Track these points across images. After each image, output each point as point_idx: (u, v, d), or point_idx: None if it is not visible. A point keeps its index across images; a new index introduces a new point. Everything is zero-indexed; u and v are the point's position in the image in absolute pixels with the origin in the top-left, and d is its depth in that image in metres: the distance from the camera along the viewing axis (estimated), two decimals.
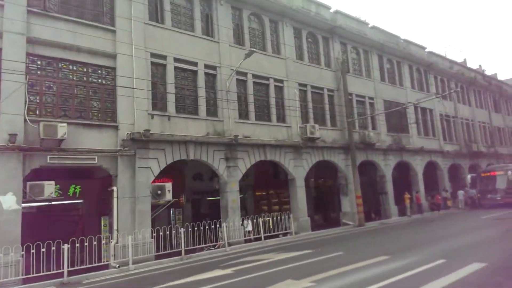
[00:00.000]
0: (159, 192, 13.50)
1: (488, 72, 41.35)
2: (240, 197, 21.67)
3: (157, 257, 13.04)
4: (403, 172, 27.55)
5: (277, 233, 16.98)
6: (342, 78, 21.50)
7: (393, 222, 21.68)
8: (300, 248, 13.47)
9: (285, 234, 17.42)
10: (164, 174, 17.70)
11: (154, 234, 13.09)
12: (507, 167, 27.05)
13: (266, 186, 22.10)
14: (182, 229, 13.50)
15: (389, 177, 23.95)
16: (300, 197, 18.38)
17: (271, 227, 16.91)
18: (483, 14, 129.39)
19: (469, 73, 35.39)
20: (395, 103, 25.47)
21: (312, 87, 20.54)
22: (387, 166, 24.01)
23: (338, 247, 13.37)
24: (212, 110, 16.08)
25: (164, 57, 14.72)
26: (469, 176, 27.47)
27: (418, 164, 26.70)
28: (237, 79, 17.06)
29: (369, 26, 25.47)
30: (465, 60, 36.82)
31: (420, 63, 29.30)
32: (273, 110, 18.27)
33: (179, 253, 13.32)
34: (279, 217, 17.21)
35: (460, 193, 28.37)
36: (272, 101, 18.34)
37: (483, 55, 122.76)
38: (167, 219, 18.68)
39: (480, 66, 38.99)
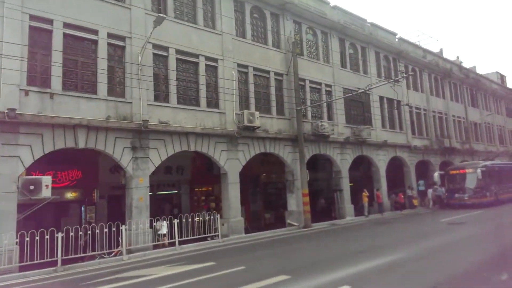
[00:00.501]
0: (31, 187, 10.83)
1: (467, 65, 39.41)
2: (174, 193, 19.35)
3: (23, 268, 10.42)
4: (364, 168, 25.34)
5: (205, 235, 14.53)
6: (292, 61, 18.99)
7: (344, 223, 19.39)
8: (207, 259, 11.00)
9: (214, 237, 14.97)
10: (69, 164, 15.10)
11: (27, 239, 10.45)
12: (476, 164, 25.02)
13: (203, 181, 19.58)
14: (60, 233, 10.87)
15: (345, 173, 21.65)
16: (233, 195, 15.89)
17: (198, 229, 14.42)
18: (466, 7, 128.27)
19: (444, 64, 33.25)
20: (356, 90, 23.15)
21: (256, 69, 17.97)
22: (343, 161, 21.68)
23: (249, 258, 10.99)
24: (118, 89, 13.40)
25: (49, 21, 11.96)
26: (436, 174, 25.39)
27: (381, 160, 24.47)
28: (155, 54, 14.38)
29: (331, 5, 22.94)
30: (441, 50, 34.68)
31: (389, 50, 26.94)
32: (203, 93, 15.66)
33: (64, 262, 10.75)
34: (208, 218, 14.77)
35: (429, 191, 26.36)
36: (202, 82, 15.74)
37: (463, 49, 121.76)
38: (78, 218, 16.13)
39: (457, 57, 36.98)
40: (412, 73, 17.59)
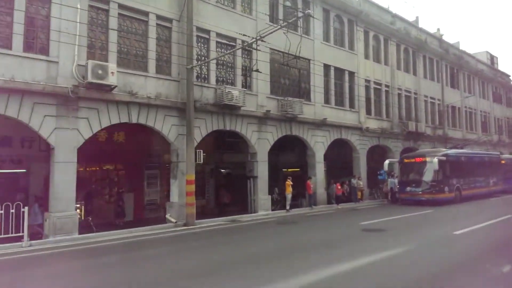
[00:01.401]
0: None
1: (450, 40, 34.09)
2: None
3: None
4: (299, 152, 20.82)
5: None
6: (186, 3, 14.17)
7: (249, 220, 14.97)
8: None
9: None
10: None
11: None
12: (436, 152, 20.45)
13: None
14: None
15: (263, 156, 17.13)
16: (62, 179, 11.32)
17: None
18: None
19: (419, 34, 28.23)
20: (287, 54, 18.37)
21: (123, 7, 13.14)
22: (262, 141, 17.11)
23: None
24: None
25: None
26: (387, 162, 20.83)
27: (319, 142, 19.88)
28: None
29: None
30: (417, 18, 29.54)
31: (344, 9, 21.92)
32: (19, 30, 10.90)
33: None
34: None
35: (390, 181, 21.79)
36: (20, 17, 10.96)
37: (452, 26, 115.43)
38: None
39: (438, 30, 31.90)
40: (309, 11, 12.38)
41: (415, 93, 27.72)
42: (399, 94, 26.19)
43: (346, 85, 22.01)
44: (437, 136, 29.09)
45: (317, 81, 19.85)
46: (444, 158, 19.54)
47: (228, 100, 15.15)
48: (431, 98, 29.52)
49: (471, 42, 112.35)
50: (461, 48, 35.16)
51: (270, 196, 17.22)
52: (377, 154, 24.26)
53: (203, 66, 15.34)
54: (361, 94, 22.72)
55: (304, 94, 19.58)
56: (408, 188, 19.87)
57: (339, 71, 21.71)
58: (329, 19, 21.31)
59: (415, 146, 26.52)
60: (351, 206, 20.01)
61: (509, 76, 44.07)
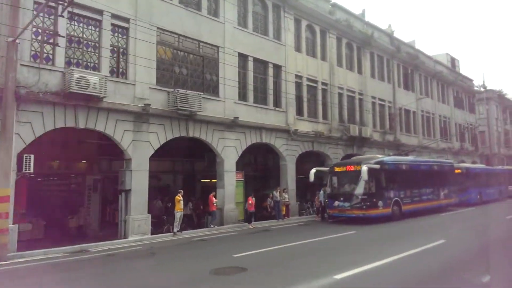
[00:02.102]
0: None
1: (406, 39, 31.27)
2: None
3: None
4: (210, 158, 17.21)
5: None
6: None
7: (97, 251, 11.12)
8: None
9: None
10: None
11: None
12: (371, 159, 17.17)
13: None
14: None
15: (141, 163, 13.32)
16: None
17: None
18: None
19: (364, 28, 25.29)
20: (184, 37, 14.91)
21: None
22: (139, 143, 13.34)
23: None
24: None
25: None
26: (313, 171, 17.40)
27: (230, 146, 16.28)
28: None
29: None
30: (363, 11, 26.70)
31: None
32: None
33: None
34: None
35: (321, 194, 18.43)
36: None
37: (410, 27, 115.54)
38: None
39: (389, 26, 29.16)
40: None
41: (360, 94, 24.64)
42: (340, 94, 23.02)
43: (270, 80, 18.60)
44: (387, 142, 26.05)
45: (228, 72, 16.34)
46: (377, 166, 16.24)
47: (81, 88, 11.39)
48: (381, 99, 26.54)
49: (431, 44, 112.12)
50: (417, 47, 32.57)
51: (149, 216, 13.40)
52: (312, 163, 20.83)
53: (45, 44, 11.57)
54: (290, 91, 19.35)
55: (210, 87, 16.02)
56: (336, 203, 16.45)
57: (261, 64, 18.31)
58: (247, 1, 17.94)
59: (359, 153, 23.29)
60: (269, 224, 16.42)
61: (472, 80, 42.02)
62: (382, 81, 26.99)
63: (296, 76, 20.07)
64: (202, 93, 14.96)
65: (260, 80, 18.35)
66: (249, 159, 20.16)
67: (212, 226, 14.88)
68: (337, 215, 16.56)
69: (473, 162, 37.23)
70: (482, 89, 48.28)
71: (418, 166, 19.46)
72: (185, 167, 18.92)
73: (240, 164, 17.27)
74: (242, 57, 17.36)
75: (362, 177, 15.33)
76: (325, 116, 21.81)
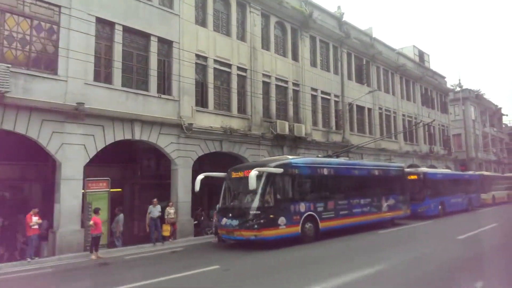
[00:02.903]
0: None
1: (360, 25, 26.92)
2: None
3: None
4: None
5: None
6: None
7: None
8: None
9: None
10: None
11: None
12: (277, 161, 12.82)
13: None
14: None
15: None
16: None
17: None
18: None
19: (301, 5, 21.14)
20: None
21: None
22: None
23: None
24: None
25: None
26: (199, 177, 12.87)
27: (74, 144, 11.72)
28: None
29: None
30: None
31: None
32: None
33: None
34: None
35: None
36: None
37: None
38: None
39: (338, 8, 25.03)
40: None
41: (296, 84, 20.41)
42: (265, 83, 18.77)
43: (154, 58, 14.23)
44: (333, 143, 21.78)
45: (73, 41, 11.90)
46: (279, 170, 11.89)
47: None
48: (324, 93, 22.35)
49: (402, 40, 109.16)
50: (378, 37, 28.57)
51: None
52: (226, 167, 16.45)
53: None
54: (187, 75, 15.01)
55: (41, 60, 11.61)
56: (224, 221, 12.02)
57: (138, 35, 13.95)
58: None
59: (293, 155, 18.97)
60: (135, 251, 11.95)
61: (445, 78, 38.20)
62: (327, 71, 22.84)
63: (198, 56, 15.78)
64: (11, 66, 10.51)
65: (138, 58, 14.00)
66: (136, 163, 15.78)
67: (29, 259, 10.35)
68: (226, 237, 12.10)
69: (446, 167, 33.20)
70: (458, 88, 44.77)
71: (349, 170, 15.07)
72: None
73: (118, 169, 12.88)
74: (105, 24, 13.03)
75: (255, 185, 10.96)
76: (242, 109, 17.51)
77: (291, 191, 12.28)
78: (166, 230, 13.32)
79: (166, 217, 13.43)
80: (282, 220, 11.62)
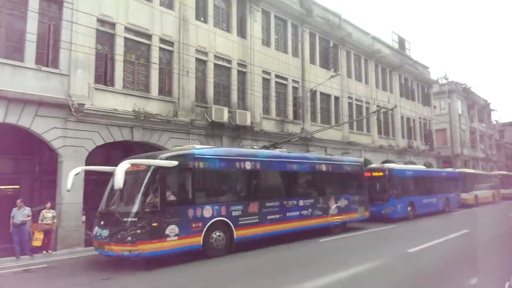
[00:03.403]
0: None
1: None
2: None
3: None
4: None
5: None
6: None
7: None
8: None
9: None
10: None
11: None
12: (173, 152, 9.88)
13: None
14: None
15: None
16: None
17: None
18: None
19: None
20: None
21: None
22: None
23: None
24: None
25: None
26: (73, 173, 9.93)
27: None
28: None
29: None
30: None
31: None
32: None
33: None
34: None
35: None
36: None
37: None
38: None
39: None
40: None
41: (242, 65, 17.41)
42: (200, 61, 15.75)
43: (33, 19, 11.18)
44: (287, 134, 18.81)
45: None
46: (171, 164, 8.92)
47: None
48: (280, 77, 19.38)
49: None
50: (346, 18, 25.62)
51: None
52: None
53: None
54: (85, 43, 11.98)
55: None
56: (96, 230, 9.02)
57: None
58: None
59: (236, 146, 16.03)
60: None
61: (428, 68, 35.35)
62: (284, 53, 19.86)
63: (102, 22, 12.75)
64: None
65: (9, 19, 10.95)
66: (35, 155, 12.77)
67: None
68: (99, 251, 9.09)
69: (427, 164, 30.44)
70: (444, 81, 42.01)
71: (283, 164, 12.07)
72: None
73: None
74: None
75: (116, 185, 7.98)
76: (166, 91, 14.50)
77: (191, 191, 9.33)
78: (38, 239, 10.32)
79: (40, 222, 10.43)
80: (172, 229, 8.65)
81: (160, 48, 14.33)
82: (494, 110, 52.99)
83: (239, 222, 10.13)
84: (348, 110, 23.84)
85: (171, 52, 14.73)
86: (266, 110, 18.47)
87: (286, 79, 19.70)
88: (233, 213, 10.04)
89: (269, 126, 18.23)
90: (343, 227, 13.75)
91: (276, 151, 12.87)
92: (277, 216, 11.25)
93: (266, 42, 18.92)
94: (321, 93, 21.70)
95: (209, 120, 15.24)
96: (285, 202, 11.59)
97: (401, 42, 31.99)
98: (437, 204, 20.53)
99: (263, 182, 11.49)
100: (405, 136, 29.54)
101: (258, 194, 10.96)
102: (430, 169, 23.05)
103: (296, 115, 20.08)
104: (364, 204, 15.12)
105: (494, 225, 15.95)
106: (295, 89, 20.27)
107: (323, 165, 13.54)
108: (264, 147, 13.76)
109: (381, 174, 17.43)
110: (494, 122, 59.51)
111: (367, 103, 25.81)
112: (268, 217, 10.97)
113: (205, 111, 15.41)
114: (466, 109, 43.22)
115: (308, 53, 21.23)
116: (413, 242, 10.72)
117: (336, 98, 22.97)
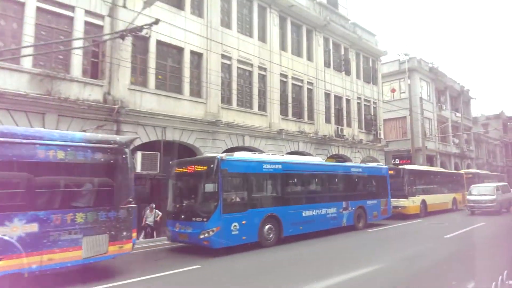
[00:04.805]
0: None
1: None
2: None
3: None
4: None
5: None
6: None
7: None
8: None
9: None
10: None
11: None
12: None
13: None
14: None
15: None
16: None
17: None
18: None
19: None
20: None
21: None
22: None
23: None
24: None
25: None
26: None
27: None
28: None
29: None
30: None
31: None
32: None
33: None
34: None
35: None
36: None
37: None
38: None
39: None
40: None
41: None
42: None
43: None
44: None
45: None
46: None
47: None
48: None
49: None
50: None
51: None
52: None
53: None
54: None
55: None
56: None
57: None
58: None
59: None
60: None
61: (375, 35, 27.54)
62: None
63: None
64: None
65: None
66: None
67: None
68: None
69: (370, 160, 22.86)
70: (405, 57, 33.96)
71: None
72: None
73: None
74: None
75: None
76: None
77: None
78: None
79: None
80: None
81: None
82: (473, 98, 45.34)
83: None
84: (226, 75, 16.02)
85: None
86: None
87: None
88: None
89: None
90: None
91: None
92: None
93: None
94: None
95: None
96: None
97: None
98: (331, 219, 12.60)
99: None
100: (331, 120, 21.78)
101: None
102: (316, 162, 14.18)
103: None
104: (124, 230, 7.37)
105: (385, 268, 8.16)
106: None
107: None
108: None
109: (202, 168, 9.65)
110: (479, 115, 52.02)
111: (271, 71, 17.96)
112: None
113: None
114: (434, 93, 35.65)
115: (189, 5, 13.43)
116: None
117: (197, 54, 15.09)
